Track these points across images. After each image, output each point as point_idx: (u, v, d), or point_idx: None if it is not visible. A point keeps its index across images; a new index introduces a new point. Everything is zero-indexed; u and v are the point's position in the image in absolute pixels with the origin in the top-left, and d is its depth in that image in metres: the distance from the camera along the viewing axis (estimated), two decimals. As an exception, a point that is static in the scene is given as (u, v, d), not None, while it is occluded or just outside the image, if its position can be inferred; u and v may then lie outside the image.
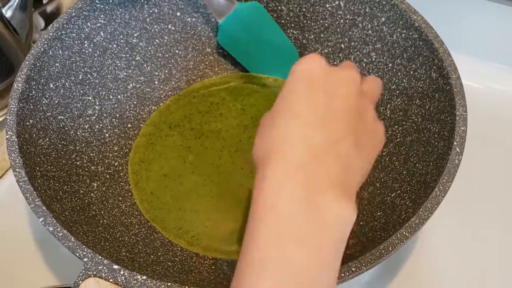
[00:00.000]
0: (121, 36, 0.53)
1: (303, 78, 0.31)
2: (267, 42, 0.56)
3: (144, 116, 0.55)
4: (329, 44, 0.55)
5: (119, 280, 0.34)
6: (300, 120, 0.30)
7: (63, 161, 0.46)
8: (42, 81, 0.46)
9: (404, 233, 0.36)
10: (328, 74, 0.31)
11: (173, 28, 0.56)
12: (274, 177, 0.28)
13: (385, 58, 0.50)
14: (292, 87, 0.31)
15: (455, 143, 0.40)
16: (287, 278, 0.26)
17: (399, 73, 0.49)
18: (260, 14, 0.55)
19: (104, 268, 0.34)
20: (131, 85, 0.55)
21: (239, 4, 0.53)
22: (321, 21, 0.54)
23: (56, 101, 0.47)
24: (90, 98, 0.51)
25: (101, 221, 0.44)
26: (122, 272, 0.34)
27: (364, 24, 0.51)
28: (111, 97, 0.53)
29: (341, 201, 0.28)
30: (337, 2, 0.52)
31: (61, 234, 0.36)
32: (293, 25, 0.56)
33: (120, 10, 0.52)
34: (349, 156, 0.29)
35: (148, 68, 0.56)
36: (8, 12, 0.55)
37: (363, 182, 0.32)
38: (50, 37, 0.47)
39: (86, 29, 0.50)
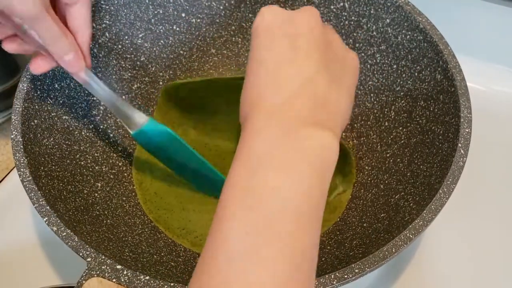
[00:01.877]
0: (126, 37, 0.53)
1: (260, 30, 0.31)
2: (184, 165, 0.49)
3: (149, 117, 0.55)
4: (334, 45, 0.55)
5: (122, 280, 0.34)
6: (266, 68, 0.30)
7: (68, 161, 0.46)
8: (47, 81, 0.46)
9: (407, 235, 0.35)
10: (285, 19, 0.31)
11: (177, 29, 0.56)
12: (251, 127, 0.28)
13: (389, 59, 0.50)
14: (254, 42, 0.31)
15: (459, 145, 0.40)
16: (270, 208, 0.25)
17: (404, 75, 0.49)
18: (172, 140, 0.46)
19: (107, 268, 0.34)
20: (135, 86, 0.55)
21: (149, 124, 0.45)
22: (326, 23, 0.54)
23: (61, 101, 0.48)
24: (94, 98, 0.51)
25: (105, 221, 0.44)
26: (125, 272, 0.34)
27: (369, 25, 0.51)
28: (115, 97, 0.53)
29: (319, 131, 0.28)
30: (341, 4, 0.52)
31: (64, 233, 0.36)
32: (297, 26, 0.56)
33: (125, 11, 0.52)
34: (325, 92, 0.29)
35: (153, 69, 0.56)
36: (14, 13, 0.56)
37: (349, 116, 0.32)
38: (55, 37, 0.47)
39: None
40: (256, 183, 0.26)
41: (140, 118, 0.44)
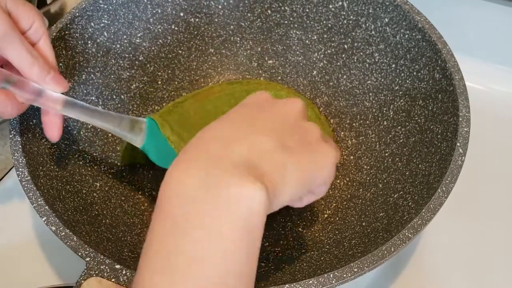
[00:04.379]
0: (125, 36, 0.53)
1: (251, 104, 0.34)
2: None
3: (146, 115, 0.55)
4: (332, 44, 0.55)
5: (121, 279, 0.34)
6: (223, 124, 0.31)
7: (66, 160, 0.46)
8: (46, 81, 0.46)
9: (406, 234, 0.35)
10: (274, 102, 0.34)
11: (176, 28, 0.56)
12: (174, 171, 0.28)
13: (388, 58, 0.50)
14: (238, 107, 0.33)
15: (458, 144, 0.40)
16: (184, 274, 0.24)
17: (402, 74, 0.49)
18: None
19: (106, 267, 0.34)
20: (134, 85, 0.55)
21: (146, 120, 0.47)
22: (324, 22, 0.54)
23: (60, 101, 0.47)
24: (93, 98, 0.51)
25: (104, 221, 0.44)
26: (124, 272, 0.34)
27: (367, 24, 0.51)
28: (114, 97, 0.53)
29: (244, 180, 0.26)
30: (340, 3, 0.52)
31: (63, 233, 0.36)
32: (296, 25, 0.56)
33: (124, 10, 0.52)
34: (268, 150, 0.29)
35: (151, 68, 0.56)
36: (12, 12, 0.56)
37: (294, 191, 0.30)
38: (53, 37, 0.47)
39: (90, 29, 0.50)
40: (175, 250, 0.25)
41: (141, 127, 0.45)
